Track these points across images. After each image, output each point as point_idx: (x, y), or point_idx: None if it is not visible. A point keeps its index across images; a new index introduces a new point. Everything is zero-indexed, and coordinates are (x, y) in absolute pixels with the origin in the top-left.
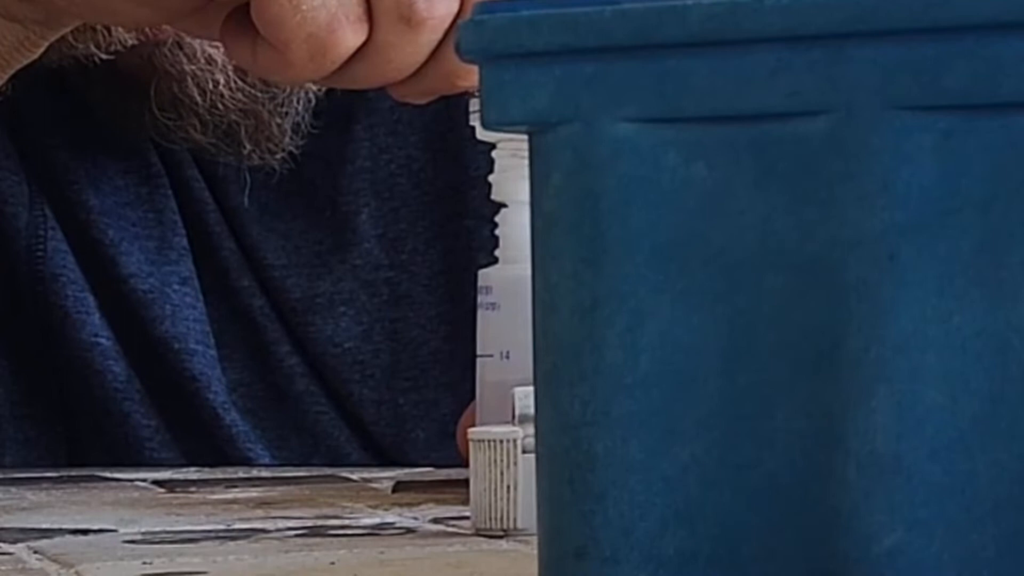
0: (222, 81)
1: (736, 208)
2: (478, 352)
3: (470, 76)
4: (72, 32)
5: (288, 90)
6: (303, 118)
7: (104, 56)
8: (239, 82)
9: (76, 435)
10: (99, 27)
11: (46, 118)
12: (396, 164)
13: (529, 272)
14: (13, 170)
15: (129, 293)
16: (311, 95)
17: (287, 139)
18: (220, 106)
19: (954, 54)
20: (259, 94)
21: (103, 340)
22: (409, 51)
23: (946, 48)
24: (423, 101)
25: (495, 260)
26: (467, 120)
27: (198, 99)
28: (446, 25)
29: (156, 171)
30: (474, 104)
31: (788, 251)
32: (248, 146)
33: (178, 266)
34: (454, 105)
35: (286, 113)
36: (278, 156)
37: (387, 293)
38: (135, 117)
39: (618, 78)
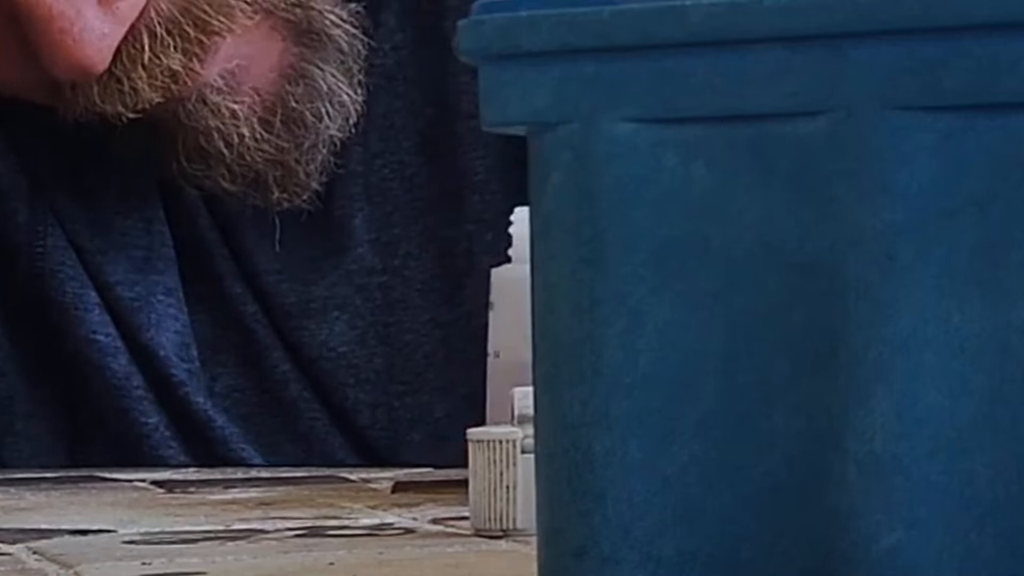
0: (247, 134)
1: (736, 208)
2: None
3: None
4: (98, 90)
5: (314, 137)
6: (329, 160)
7: (131, 115)
8: (265, 134)
9: (78, 431)
10: (126, 86)
11: (41, 123)
12: (389, 169)
13: (521, 272)
14: (12, 166)
15: (116, 300)
16: (336, 140)
17: (313, 182)
18: (247, 157)
19: (954, 54)
20: (285, 144)
21: (101, 337)
22: None
23: (946, 48)
24: None
25: (504, 260)
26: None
27: (224, 152)
28: None
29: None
30: None
31: (788, 251)
32: (276, 192)
33: (163, 276)
34: (448, 111)
35: (312, 159)
36: (305, 197)
37: (380, 298)
38: (163, 166)
39: (618, 78)
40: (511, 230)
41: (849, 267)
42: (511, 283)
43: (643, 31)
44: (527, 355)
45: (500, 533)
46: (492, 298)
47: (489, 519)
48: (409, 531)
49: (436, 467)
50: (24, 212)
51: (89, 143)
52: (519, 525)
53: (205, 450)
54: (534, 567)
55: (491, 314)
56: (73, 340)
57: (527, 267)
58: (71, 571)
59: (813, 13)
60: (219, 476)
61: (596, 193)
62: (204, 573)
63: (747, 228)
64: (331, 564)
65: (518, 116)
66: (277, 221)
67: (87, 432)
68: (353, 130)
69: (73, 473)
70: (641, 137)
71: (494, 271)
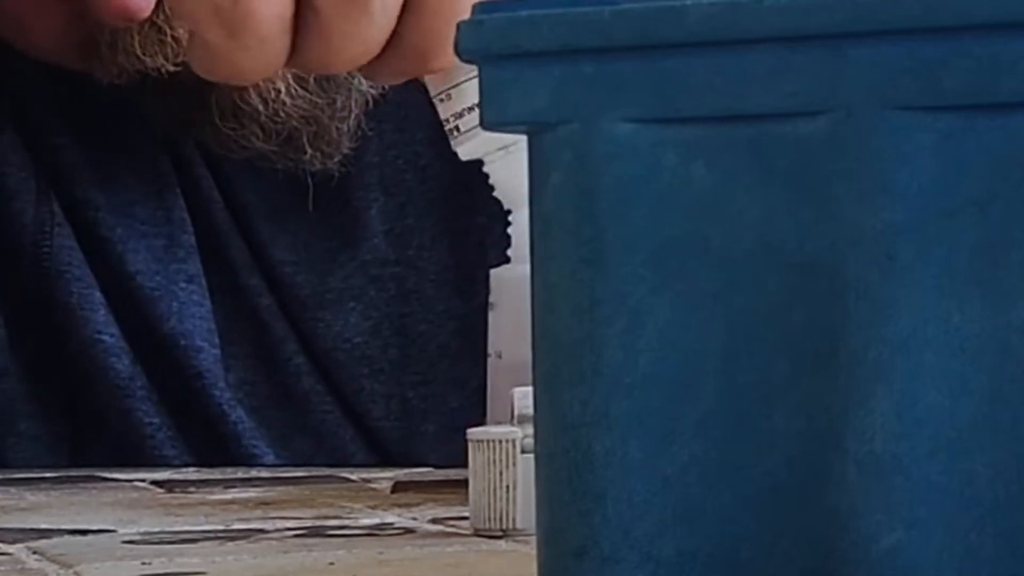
0: (283, 89)
1: (735, 208)
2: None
3: (440, 55)
4: (139, 41)
5: (347, 94)
6: (360, 121)
7: (172, 68)
8: (300, 89)
9: (79, 432)
10: (168, 36)
11: (54, 116)
12: (403, 160)
13: (521, 272)
14: (21, 165)
15: (136, 290)
16: (368, 97)
17: (344, 142)
18: (282, 114)
19: (954, 54)
20: (319, 99)
21: (107, 337)
22: (362, 29)
23: (946, 48)
24: (394, 82)
25: (506, 259)
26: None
27: (260, 108)
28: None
29: (165, 169)
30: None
31: (787, 251)
32: (309, 151)
33: (185, 264)
34: None
35: (345, 117)
36: (336, 159)
37: (394, 288)
38: (195, 128)
39: (617, 78)
40: (510, 230)
41: (849, 267)
42: (511, 283)
43: (643, 31)
44: (528, 355)
45: (500, 533)
46: (492, 298)
47: (489, 519)
48: (409, 531)
49: (438, 466)
50: (31, 212)
51: (103, 135)
52: (519, 525)
53: (214, 446)
54: (534, 567)
55: (491, 314)
56: (77, 340)
57: (527, 267)
58: (71, 571)
59: (813, 13)
60: (219, 476)
61: (596, 193)
62: (204, 573)
63: (747, 228)
64: (331, 564)
65: (518, 116)
66: (294, 212)
67: (89, 433)
68: (367, 120)
69: (73, 473)
70: (641, 137)
71: (494, 271)
